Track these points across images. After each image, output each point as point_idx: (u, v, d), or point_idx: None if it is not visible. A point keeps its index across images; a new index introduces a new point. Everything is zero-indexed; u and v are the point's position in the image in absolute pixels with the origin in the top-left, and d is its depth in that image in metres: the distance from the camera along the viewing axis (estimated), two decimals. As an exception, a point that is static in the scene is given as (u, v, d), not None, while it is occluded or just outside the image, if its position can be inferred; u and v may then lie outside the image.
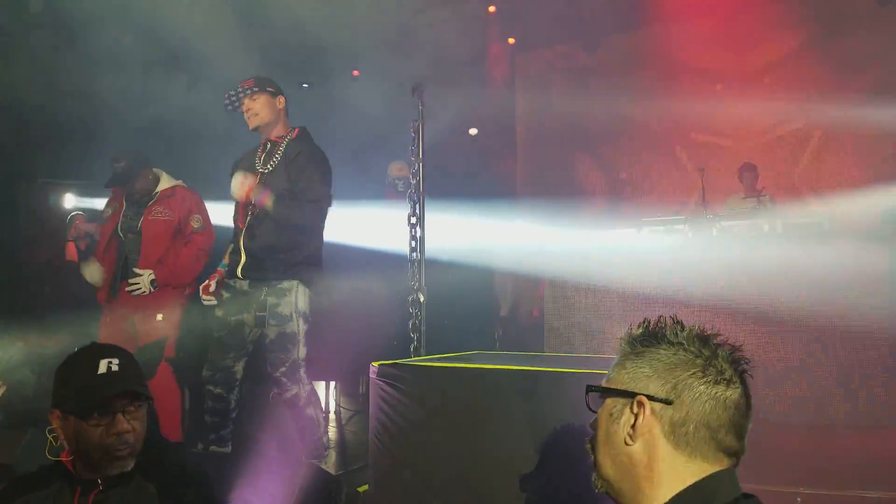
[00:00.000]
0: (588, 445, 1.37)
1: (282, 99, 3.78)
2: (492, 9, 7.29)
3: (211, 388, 3.68)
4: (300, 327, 3.62)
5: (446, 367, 2.76)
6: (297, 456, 3.25)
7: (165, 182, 4.49)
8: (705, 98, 7.04)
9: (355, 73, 7.90)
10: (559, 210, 6.79)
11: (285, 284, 3.61)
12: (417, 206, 3.74)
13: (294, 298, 3.61)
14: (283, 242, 3.63)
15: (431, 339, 4.29)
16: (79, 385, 1.76)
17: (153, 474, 1.80)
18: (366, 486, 3.00)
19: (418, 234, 3.71)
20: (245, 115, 3.75)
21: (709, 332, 1.30)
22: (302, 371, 3.65)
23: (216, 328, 3.73)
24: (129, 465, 1.76)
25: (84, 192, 5.87)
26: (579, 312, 5.11)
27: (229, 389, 3.71)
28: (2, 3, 4.88)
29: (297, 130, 3.85)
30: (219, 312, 3.75)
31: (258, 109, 3.72)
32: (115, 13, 5.08)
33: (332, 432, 5.08)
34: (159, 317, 4.32)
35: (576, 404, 2.24)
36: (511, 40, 7.99)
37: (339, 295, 6.02)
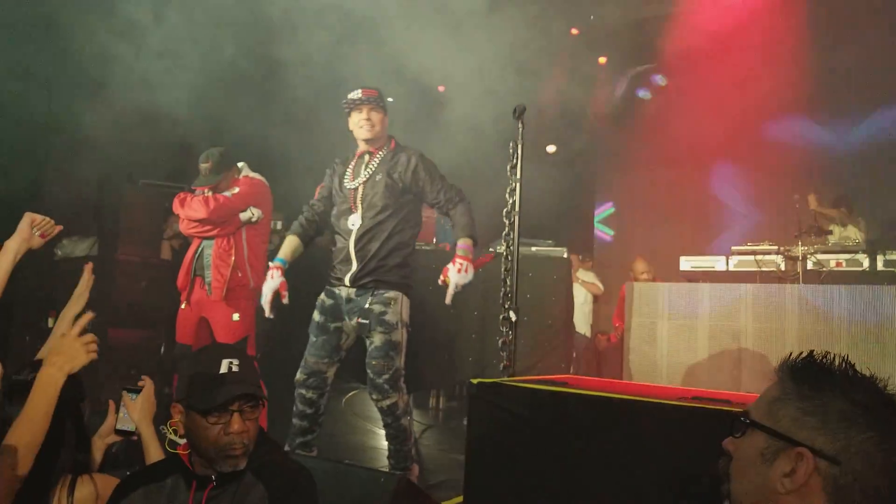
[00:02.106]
0: (723, 470, 1.27)
1: (386, 117, 3.90)
2: (602, 60, 7.32)
3: (303, 391, 3.75)
4: (403, 337, 3.70)
5: (556, 391, 2.73)
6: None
7: (242, 176, 4.51)
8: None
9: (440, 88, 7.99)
10: (646, 228, 6.73)
11: (391, 294, 3.69)
12: (513, 224, 3.73)
13: (400, 308, 3.70)
14: (397, 253, 3.73)
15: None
16: (201, 383, 1.82)
17: (263, 474, 1.83)
18: (456, 500, 3.00)
19: (513, 251, 3.70)
20: (358, 123, 3.83)
21: (890, 389, 1.17)
22: (402, 381, 3.71)
23: (314, 332, 3.80)
24: (242, 464, 1.80)
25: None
26: (664, 343, 5.00)
27: (321, 394, 3.78)
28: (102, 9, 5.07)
29: (393, 141, 3.94)
30: (318, 317, 3.82)
31: (376, 122, 3.82)
32: (212, 29, 5.25)
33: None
34: (235, 316, 4.39)
35: (696, 440, 2.20)
36: (602, 60, 7.95)
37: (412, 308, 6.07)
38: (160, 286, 5.44)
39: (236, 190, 4.39)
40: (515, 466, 2.73)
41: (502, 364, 3.59)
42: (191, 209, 4.30)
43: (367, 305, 3.69)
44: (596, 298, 7.51)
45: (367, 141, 3.87)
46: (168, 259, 5.83)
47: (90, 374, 2.11)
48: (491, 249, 6.48)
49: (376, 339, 3.64)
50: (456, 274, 3.65)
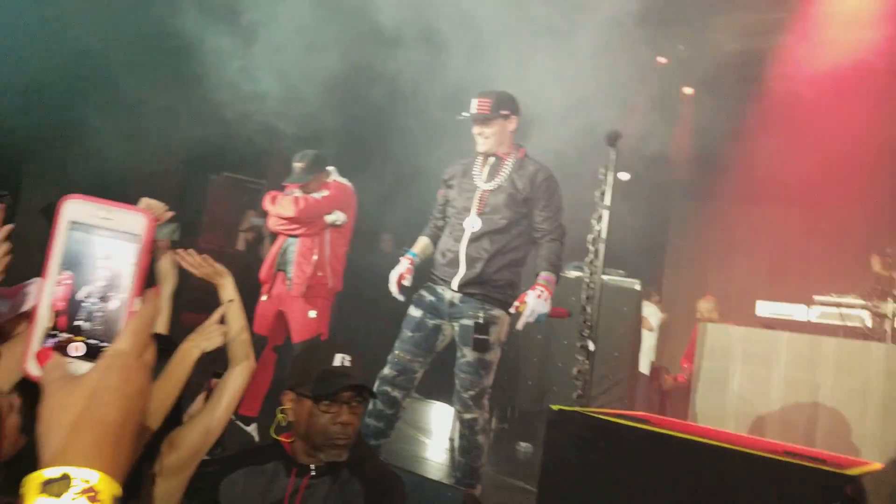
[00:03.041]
0: None
1: (514, 120, 3.71)
2: (688, 91, 7.21)
3: (388, 389, 3.61)
4: (497, 357, 3.60)
5: (641, 429, 2.65)
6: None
7: (331, 180, 4.60)
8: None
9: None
10: (720, 266, 6.53)
11: (497, 312, 3.56)
12: (598, 253, 3.67)
13: (500, 328, 3.59)
14: (509, 270, 3.61)
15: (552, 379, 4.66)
16: (317, 372, 1.88)
17: (360, 473, 1.87)
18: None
19: (596, 280, 3.63)
20: (475, 136, 3.74)
21: None
22: (486, 398, 3.61)
23: (410, 328, 3.68)
24: (345, 456, 1.85)
25: (261, 187, 6.21)
26: (735, 389, 4.82)
27: (405, 395, 3.67)
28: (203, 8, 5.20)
29: (522, 150, 3.80)
30: (415, 313, 3.70)
31: (489, 134, 3.68)
32: (316, 32, 5.33)
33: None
34: (312, 313, 4.45)
35: (788, 496, 2.11)
36: (688, 91, 7.82)
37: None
38: (234, 276, 5.50)
39: (325, 193, 4.48)
40: (590, 496, 2.67)
41: (576, 393, 3.52)
42: (281, 207, 4.40)
43: (481, 320, 3.54)
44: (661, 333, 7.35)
45: (485, 152, 3.75)
46: (242, 250, 5.94)
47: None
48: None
49: (470, 355, 3.54)
50: (535, 300, 3.45)
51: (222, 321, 2.13)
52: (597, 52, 6.93)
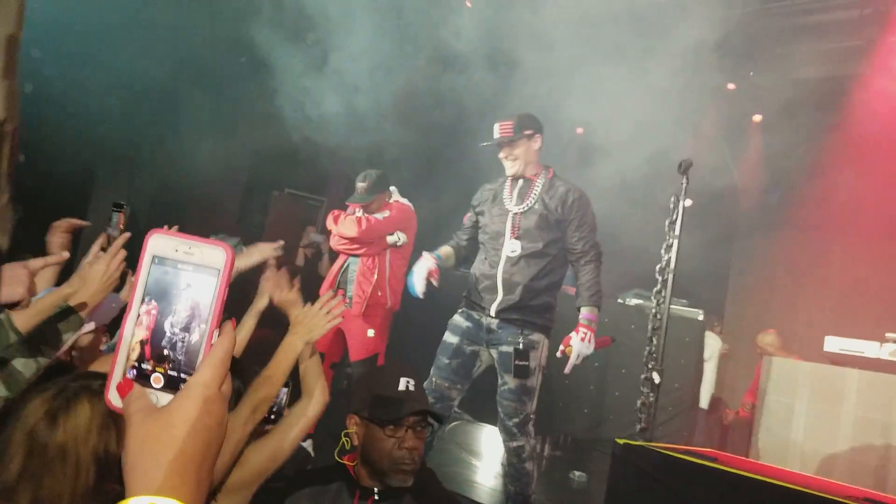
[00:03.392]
0: None
1: (538, 138, 3.68)
2: (757, 118, 7.07)
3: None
4: (538, 381, 3.56)
5: (710, 467, 2.55)
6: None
7: (393, 200, 4.64)
8: None
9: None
10: (786, 298, 6.26)
11: (536, 337, 3.53)
12: (666, 282, 3.57)
13: (541, 353, 3.55)
14: (547, 294, 3.58)
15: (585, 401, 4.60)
16: (381, 397, 1.88)
17: (421, 496, 1.86)
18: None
19: (663, 311, 3.53)
20: (503, 160, 3.71)
21: None
22: (531, 425, 3.57)
23: (447, 355, 3.65)
24: (410, 481, 1.84)
25: (321, 204, 6.30)
26: (801, 427, 4.63)
27: (441, 422, 3.60)
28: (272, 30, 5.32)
29: (551, 170, 3.75)
30: (452, 339, 3.68)
31: (516, 156, 3.65)
32: (385, 58, 5.39)
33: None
34: (370, 332, 4.47)
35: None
36: (757, 118, 7.63)
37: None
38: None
39: (387, 213, 4.52)
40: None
41: (639, 426, 3.41)
42: (343, 227, 4.45)
43: (520, 346, 3.50)
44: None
45: (514, 174, 3.72)
46: (301, 266, 6.01)
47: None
48: (620, 300, 6.29)
49: (511, 382, 3.50)
50: (579, 343, 3.43)
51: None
52: (668, 77, 6.85)
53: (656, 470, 2.56)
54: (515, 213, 3.65)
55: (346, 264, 4.57)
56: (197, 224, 6.06)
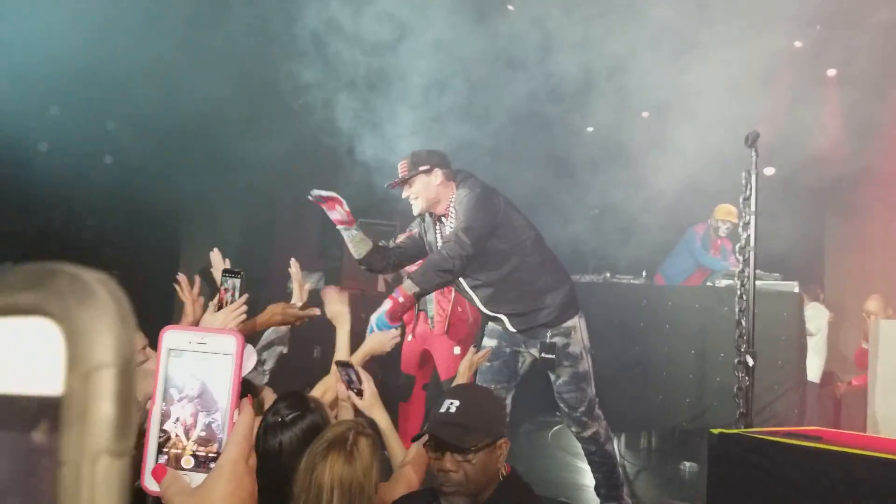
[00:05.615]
0: None
1: (440, 173, 3.45)
2: (832, 72, 6.74)
3: None
4: (589, 364, 3.56)
5: (812, 448, 2.44)
6: None
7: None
8: None
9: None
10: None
11: (570, 323, 3.51)
12: (748, 261, 3.45)
13: (580, 335, 3.53)
14: (538, 288, 3.47)
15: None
16: (429, 416, 1.93)
17: None
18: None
19: (749, 290, 3.41)
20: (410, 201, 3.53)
21: None
22: (597, 408, 3.59)
23: (487, 357, 3.55)
24: (459, 503, 1.83)
25: (393, 228, 6.41)
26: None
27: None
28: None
29: (452, 185, 3.50)
30: (489, 342, 3.66)
31: (416, 193, 3.46)
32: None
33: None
34: (456, 350, 4.52)
35: None
36: (831, 72, 7.26)
37: (629, 343, 5.84)
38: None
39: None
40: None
41: (738, 412, 3.30)
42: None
43: (548, 339, 3.52)
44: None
45: (421, 212, 3.54)
46: (383, 291, 6.13)
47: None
48: (709, 283, 6.10)
49: (564, 374, 3.51)
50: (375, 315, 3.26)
51: None
52: (724, 45, 6.63)
53: (755, 457, 2.47)
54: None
55: None
56: (281, 266, 6.27)
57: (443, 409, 1.91)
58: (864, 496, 2.28)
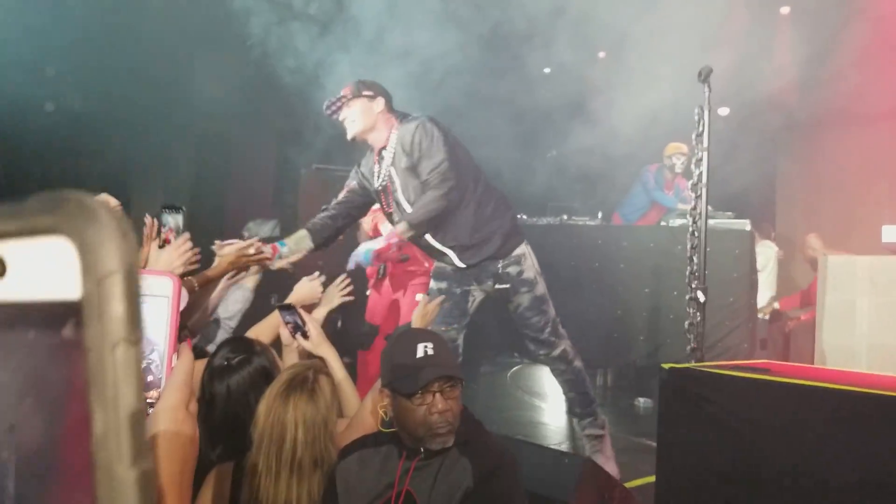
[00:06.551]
0: None
1: (381, 101, 3.44)
2: (785, 10, 6.74)
3: None
4: (544, 286, 3.65)
5: (759, 380, 2.51)
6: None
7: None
8: None
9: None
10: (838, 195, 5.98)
11: (518, 251, 3.58)
12: (700, 198, 3.49)
13: (531, 260, 3.62)
14: (490, 224, 3.50)
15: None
16: (401, 367, 1.87)
17: (468, 452, 1.86)
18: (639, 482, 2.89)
19: (700, 227, 3.46)
20: (344, 124, 3.49)
21: None
22: (560, 327, 3.67)
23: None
24: (450, 441, 1.84)
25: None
26: (864, 324, 4.49)
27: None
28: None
29: (395, 121, 3.48)
30: (437, 285, 3.68)
31: (354, 116, 3.43)
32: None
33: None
34: (418, 297, 4.55)
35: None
36: (784, 10, 7.27)
37: (583, 279, 5.92)
38: (335, 267, 5.67)
39: None
40: (710, 454, 2.57)
41: (689, 347, 3.39)
42: None
43: (500, 270, 3.57)
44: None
45: (357, 139, 3.51)
46: (342, 239, 6.07)
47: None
48: (663, 222, 6.18)
49: (524, 300, 3.58)
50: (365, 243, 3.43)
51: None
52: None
53: (705, 390, 2.54)
54: (381, 190, 3.54)
55: None
56: (235, 212, 6.18)
57: (420, 354, 1.87)
58: (811, 425, 2.36)
